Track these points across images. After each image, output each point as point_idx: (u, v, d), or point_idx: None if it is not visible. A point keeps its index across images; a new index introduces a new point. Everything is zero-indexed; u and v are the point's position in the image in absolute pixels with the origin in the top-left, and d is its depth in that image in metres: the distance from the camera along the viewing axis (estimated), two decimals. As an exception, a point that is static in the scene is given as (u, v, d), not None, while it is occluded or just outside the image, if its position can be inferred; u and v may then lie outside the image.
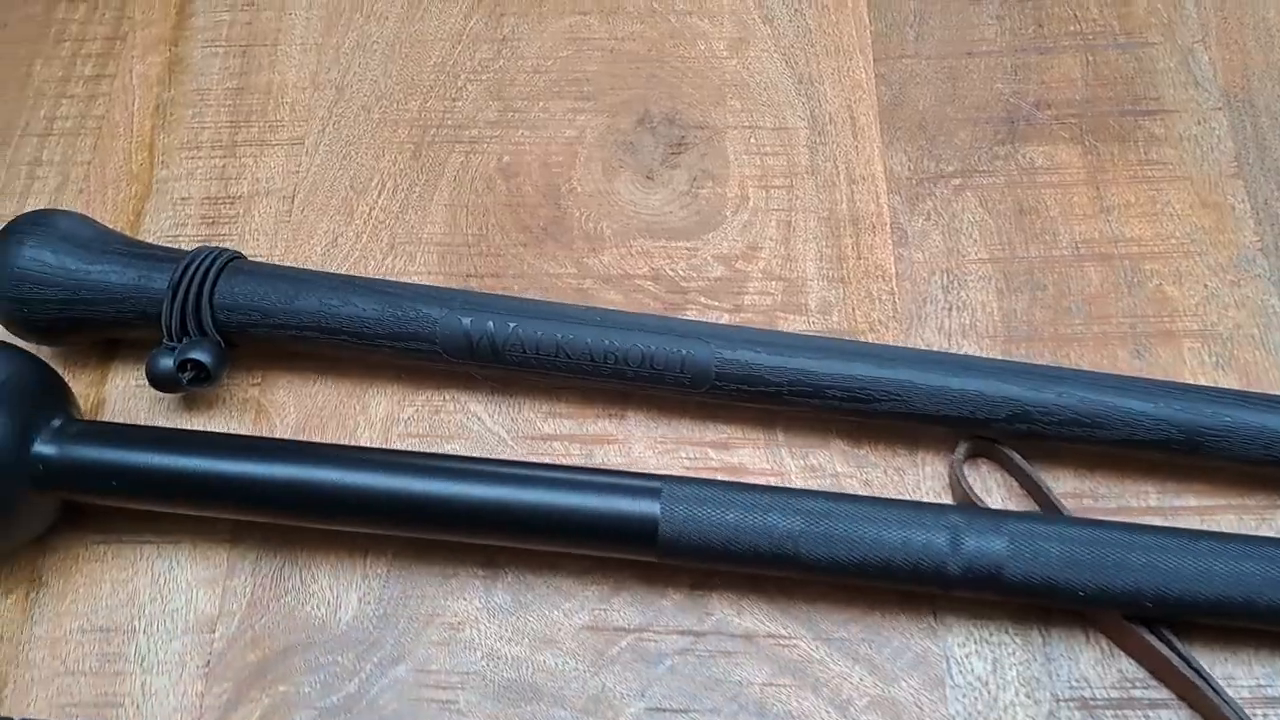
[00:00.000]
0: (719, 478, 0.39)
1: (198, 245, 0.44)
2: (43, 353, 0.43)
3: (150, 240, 0.47)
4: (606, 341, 0.39)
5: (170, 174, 0.49)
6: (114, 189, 0.49)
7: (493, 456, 0.42)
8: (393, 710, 0.38)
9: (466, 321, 0.40)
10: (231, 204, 0.48)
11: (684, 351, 0.39)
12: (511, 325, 0.40)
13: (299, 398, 0.44)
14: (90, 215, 0.44)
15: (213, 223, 0.47)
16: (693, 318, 0.44)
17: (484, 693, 0.38)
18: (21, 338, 0.42)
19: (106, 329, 0.43)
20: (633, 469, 0.41)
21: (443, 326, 0.40)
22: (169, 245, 0.44)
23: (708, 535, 0.35)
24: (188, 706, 0.39)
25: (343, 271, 0.45)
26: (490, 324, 0.40)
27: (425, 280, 0.45)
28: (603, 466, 0.41)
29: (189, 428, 0.43)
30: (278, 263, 0.44)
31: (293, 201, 0.48)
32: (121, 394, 0.44)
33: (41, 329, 0.42)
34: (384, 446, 0.42)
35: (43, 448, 0.38)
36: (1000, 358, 0.41)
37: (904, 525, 0.35)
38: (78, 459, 0.38)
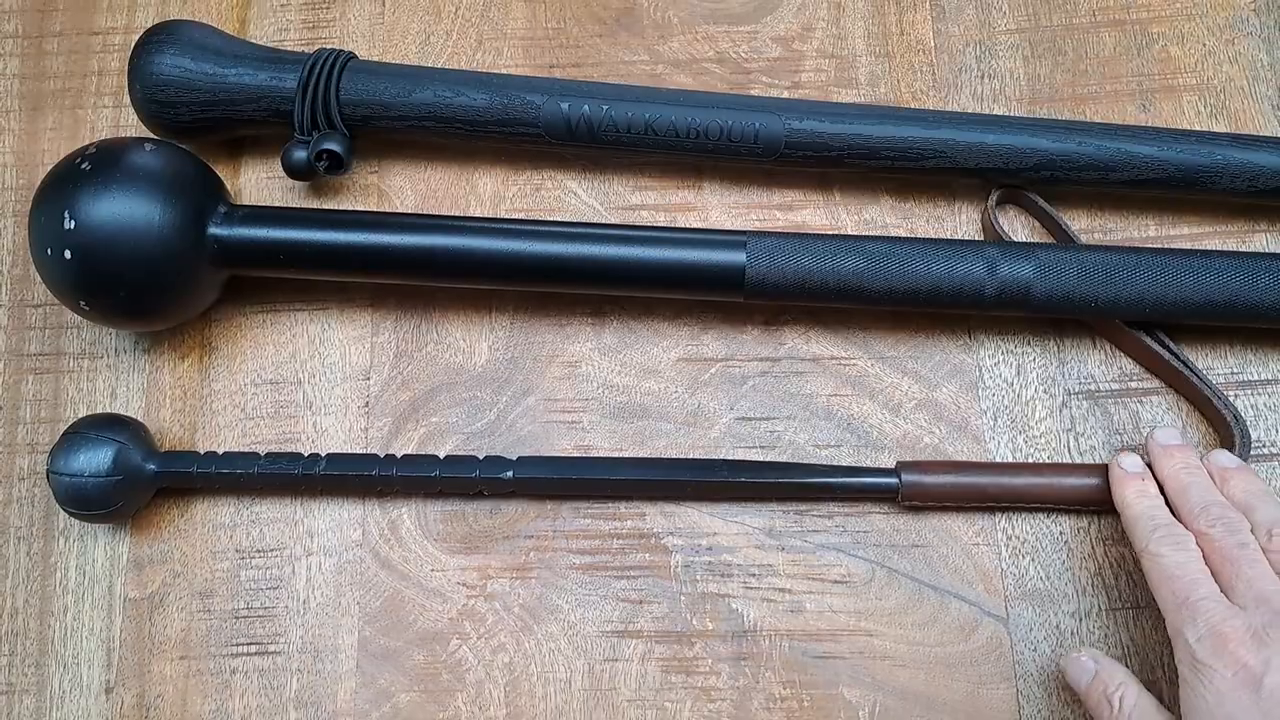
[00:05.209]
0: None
1: (307, 48, 0.49)
2: (188, 151, 0.49)
3: (261, 45, 0.52)
4: (689, 118, 0.46)
5: (267, -19, 0.53)
6: (217, -1, 0.53)
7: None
8: (528, 431, 0.47)
9: (565, 106, 0.46)
10: (328, 7, 0.52)
11: (757, 124, 0.45)
12: (605, 108, 0.46)
13: (414, 182, 0.50)
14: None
15: (313, 26, 0.52)
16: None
17: (602, 414, 0.47)
18: (164, 139, 0.48)
19: (239, 127, 0.48)
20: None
21: (545, 112, 0.46)
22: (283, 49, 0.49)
23: (786, 277, 0.43)
24: (355, 438, 0.47)
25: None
26: (586, 108, 0.46)
27: (513, 73, 0.50)
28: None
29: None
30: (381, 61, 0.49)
31: (384, 4, 0.52)
32: (254, 184, 0.51)
33: (183, 129, 0.48)
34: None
35: (215, 230, 0.44)
36: (1026, 115, 0.48)
37: (948, 258, 0.42)
38: (246, 238, 0.44)
